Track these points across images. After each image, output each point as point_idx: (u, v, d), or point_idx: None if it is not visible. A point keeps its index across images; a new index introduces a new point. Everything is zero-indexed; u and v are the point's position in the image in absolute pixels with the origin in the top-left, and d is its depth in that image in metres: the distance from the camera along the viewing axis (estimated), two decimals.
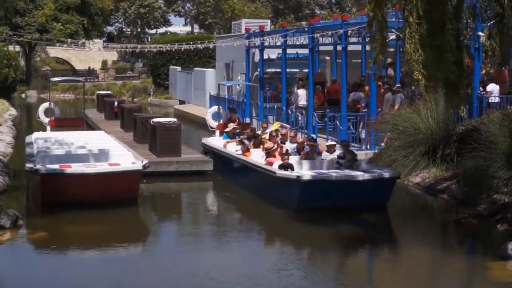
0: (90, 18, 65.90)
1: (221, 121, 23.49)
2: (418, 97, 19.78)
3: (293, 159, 16.84)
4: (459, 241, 14.28)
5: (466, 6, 14.08)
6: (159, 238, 14.63)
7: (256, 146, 18.58)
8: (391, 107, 20.76)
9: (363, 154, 19.54)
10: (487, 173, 15.02)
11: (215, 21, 77.83)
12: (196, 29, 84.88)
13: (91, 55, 73.95)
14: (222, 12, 76.55)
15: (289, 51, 28.12)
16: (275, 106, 27.48)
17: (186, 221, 16.43)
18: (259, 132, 20.45)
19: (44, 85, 57.42)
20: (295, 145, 18.17)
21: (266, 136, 19.09)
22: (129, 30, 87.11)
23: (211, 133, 24.42)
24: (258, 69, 29.56)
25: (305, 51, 26.66)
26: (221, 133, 21.67)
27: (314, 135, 20.99)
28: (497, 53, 13.82)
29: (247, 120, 27.97)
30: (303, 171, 16.26)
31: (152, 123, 21.49)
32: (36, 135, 22.43)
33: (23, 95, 59.20)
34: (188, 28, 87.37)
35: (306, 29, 26.02)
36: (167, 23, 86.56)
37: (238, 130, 21.11)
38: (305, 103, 24.91)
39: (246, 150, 18.43)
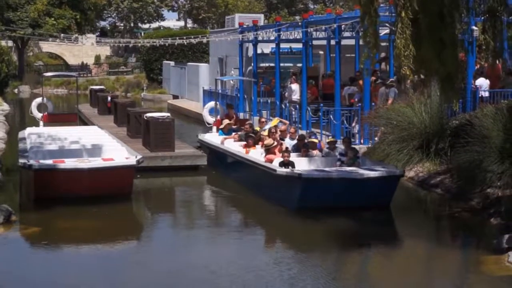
0: (83, 12, 65.71)
1: (218, 117, 23.10)
2: (412, 91, 19.78)
3: (292, 156, 16.27)
4: (453, 235, 14.31)
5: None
6: (154, 232, 14.60)
7: (255, 143, 18.08)
8: (385, 101, 20.76)
9: (356, 149, 19.49)
10: (480, 167, 15.03)
11: (209, 15, 77.74)
12: (190, 23, 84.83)
13: (84, 50, 73.80)
14: (215, 6, 76.45)
15: (282, 45, 28.08)
16: (269, 101, 27.43)
17: (181, 215, 16.41)
18: (257, 128, 20.01)
19: (37, 80, 57.24)
20: (294, 141, 17.66)
21: (264, 132, 18.62)
22: (122, 25, 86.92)
23: (206, 127, 24.35)
24: (252, 64, 29.54)
25: (299, 45, 26.64)
26: (218, 129, 21.24)
27: (316, 131, 20.45)
28: (491, 47, 13.81)
29: (240, 114, 27.92)
30: (304, 168, 15.60)
31: (145, 118, 21.46)
32: (29, 130, 22.36)
33: (15, 90, 59.01)
34: (182, 23, 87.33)
35: (299, 23, 26.00)
36: (160, 17, 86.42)
37: (235, 126, 20.93)
38: (298, 97, 24.89)
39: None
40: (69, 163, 16.03)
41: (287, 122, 21.82)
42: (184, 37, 34.27)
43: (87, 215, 15.01)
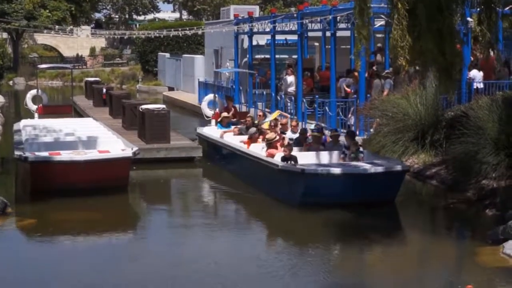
0: (78, 4, 65.44)
1: (217, 110, 22.85)
2: (407, 82, 19.79)
3: (295, 151, 15.79)
4: (448, 226, 14.34)
5: None
6: (151, 224, 14.60)
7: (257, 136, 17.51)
8: (380, 93, 20.78)
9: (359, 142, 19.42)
10: (475, 159, 15.07)
11: (204, 7, 77.43)
12: (185, 15, 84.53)
13: (79, 42, 73.56)
14: None
15: (278, 37, 28.05)
16: (264, 93, 27.43)
17: (177, 207, 16.42)
18: (256, 121, 19.47)
19: (32, 72, 57.07)
20: (296, 135, 17.30)
21: (265, 125, 18.24)
22: (117, 16, 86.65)
23: (202, 119, 24.29)
24: (247, 55, 29.52)
25: (294, 37, 26.62)
26: (217, 123, 20.94)
27: (323, 124, 20.05)
28: (487, 38, 13.82)
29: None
30: (307, 163, 15.11)
31: (141, 110, 21.44)
32: (24, 122, 22.32)
33: (10, 82, 58.90)
34: (177, 15, 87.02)
35: (295, 15, 25.98)
36: (155, 9, 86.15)
37: (234, 119, 20.78)
38: (294, 89, 24.89)
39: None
40: (65, 155, 16.01)
41: (288, 115, 21.60)
42: (179, 29, 34.19)
43: (83, 207, 15.00)
